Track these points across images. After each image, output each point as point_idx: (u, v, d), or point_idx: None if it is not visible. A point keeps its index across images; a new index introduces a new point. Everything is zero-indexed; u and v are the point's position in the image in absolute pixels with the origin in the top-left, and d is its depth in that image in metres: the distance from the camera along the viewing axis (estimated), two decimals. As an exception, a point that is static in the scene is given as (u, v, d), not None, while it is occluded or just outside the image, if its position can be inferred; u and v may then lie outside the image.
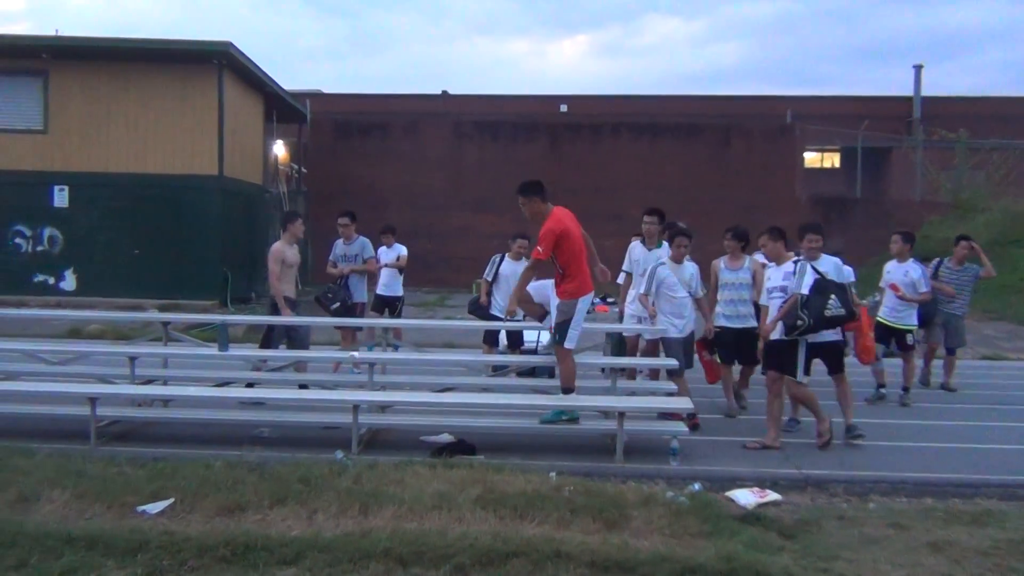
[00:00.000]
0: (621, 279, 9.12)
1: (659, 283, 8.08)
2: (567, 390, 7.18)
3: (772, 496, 6.03)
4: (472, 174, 24.52)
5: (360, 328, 10.21)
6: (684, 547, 4.98)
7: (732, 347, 8.48)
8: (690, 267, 8.20)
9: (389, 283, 11.26)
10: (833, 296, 7.03)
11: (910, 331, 9.35)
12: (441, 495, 5.61)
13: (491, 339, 9.63)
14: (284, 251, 8.82)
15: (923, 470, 6.75)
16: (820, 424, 7.33)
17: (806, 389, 7.29)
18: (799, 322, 7.02)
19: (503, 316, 8.42)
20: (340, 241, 10.36)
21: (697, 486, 6.08)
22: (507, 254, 9.65)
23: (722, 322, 8.40)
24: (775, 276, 7.57)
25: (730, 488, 6.19)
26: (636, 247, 8.83)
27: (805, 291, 7.09)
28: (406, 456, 6.56)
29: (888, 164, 30.27)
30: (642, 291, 8.22)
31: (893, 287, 9.30)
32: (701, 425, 7.81)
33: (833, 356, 7.45)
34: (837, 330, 7.35)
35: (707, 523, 5.32)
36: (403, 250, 11.38)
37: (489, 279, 9.62)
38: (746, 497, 5.99)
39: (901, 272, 9.35)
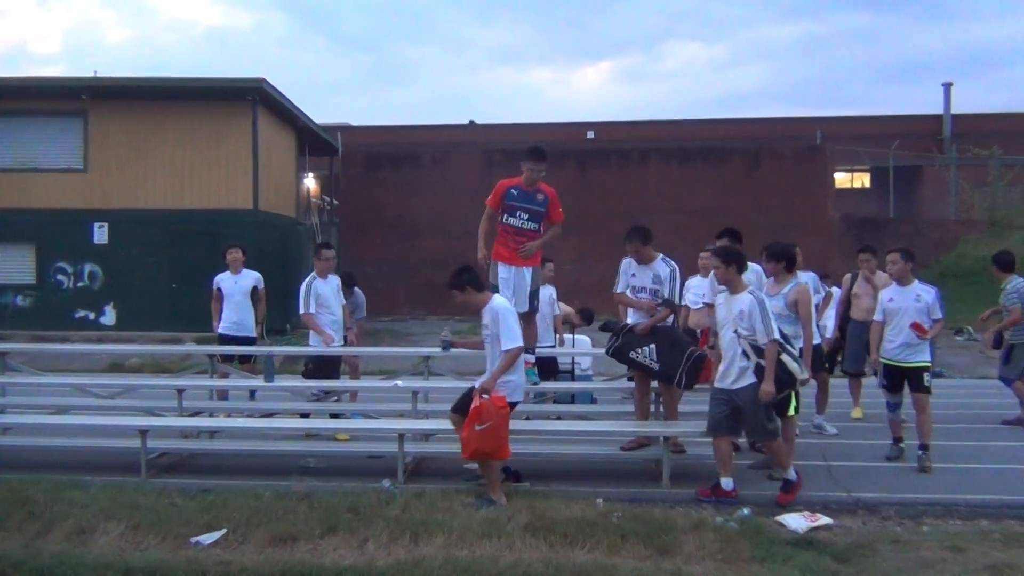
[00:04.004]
0: (696, 305, 8.39)
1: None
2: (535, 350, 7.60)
3: (823, 520, 5.98)
4: (502, 202, 24.69)
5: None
6: (738, 573, 4.97)
7: None
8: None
9: (242, 319, 9.27)
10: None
11: (926, 369, 7.50)
12: (490, 522, 5.64)
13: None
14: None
15: (975, 492, 6.64)
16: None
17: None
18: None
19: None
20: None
21: (747, 511, 6.03)
22: None
23: None
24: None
25: (779, 512, 6.14)
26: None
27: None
28: (452, 484, 6.59)
29: (920, 183, 30.04)
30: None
31: (917, 327, 7.37)
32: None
33: None
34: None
35: (759, 548, 5.30)
36: (258, 279, 9.49)
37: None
38: (797, 521, 5.93)
39: (910, 298, 7.44)
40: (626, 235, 7.13)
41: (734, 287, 6.38)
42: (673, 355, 6.73)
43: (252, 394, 8.96)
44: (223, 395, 8.86)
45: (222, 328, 9.19)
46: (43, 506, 5.91)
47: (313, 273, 8.68)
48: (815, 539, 5.61)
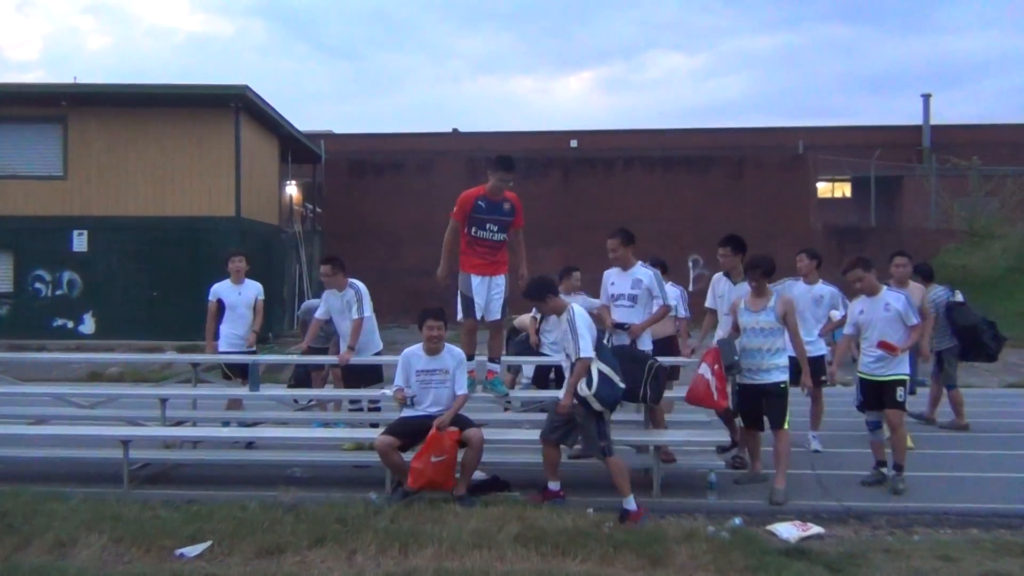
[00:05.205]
0: (684, 314, 8.56)
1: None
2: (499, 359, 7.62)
3: (815, 529, 5.95)
4: (485, 211, 24.68)
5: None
6: (732, 583, 4.91)
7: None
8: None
9: (246, 333, 8.87)
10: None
11: (902, 384, 6.99)
12: (480, 533, 5.56)
13: (542, 380, 8.77)
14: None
15: (965, 500, 6.65)
16: None
17: None
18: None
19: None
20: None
21: (738, 520, 6.00)
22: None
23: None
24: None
25: (770, 522, 6.11)
26: (720, 281, 7.67)
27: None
28: (440, 494, 6.50)
29: (900, 193, 30.26)
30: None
31: (885, 345, 6.93)
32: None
33: None
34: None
35: (752, 558, 5.25)
36: (260, 290, 9.07)
37: (538, 316, 8.90)
38: (788, 531, 5.90)
39: (879, 308, 7.00)
40: (611, 233, 7.27)
41: (557, 313, 6.48)
42: (634, 372, 6.58)
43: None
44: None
45: (226, 344, 8.73)
46: (22, 519, 5.76)
47: None
48: (807, 548, 5.57)
